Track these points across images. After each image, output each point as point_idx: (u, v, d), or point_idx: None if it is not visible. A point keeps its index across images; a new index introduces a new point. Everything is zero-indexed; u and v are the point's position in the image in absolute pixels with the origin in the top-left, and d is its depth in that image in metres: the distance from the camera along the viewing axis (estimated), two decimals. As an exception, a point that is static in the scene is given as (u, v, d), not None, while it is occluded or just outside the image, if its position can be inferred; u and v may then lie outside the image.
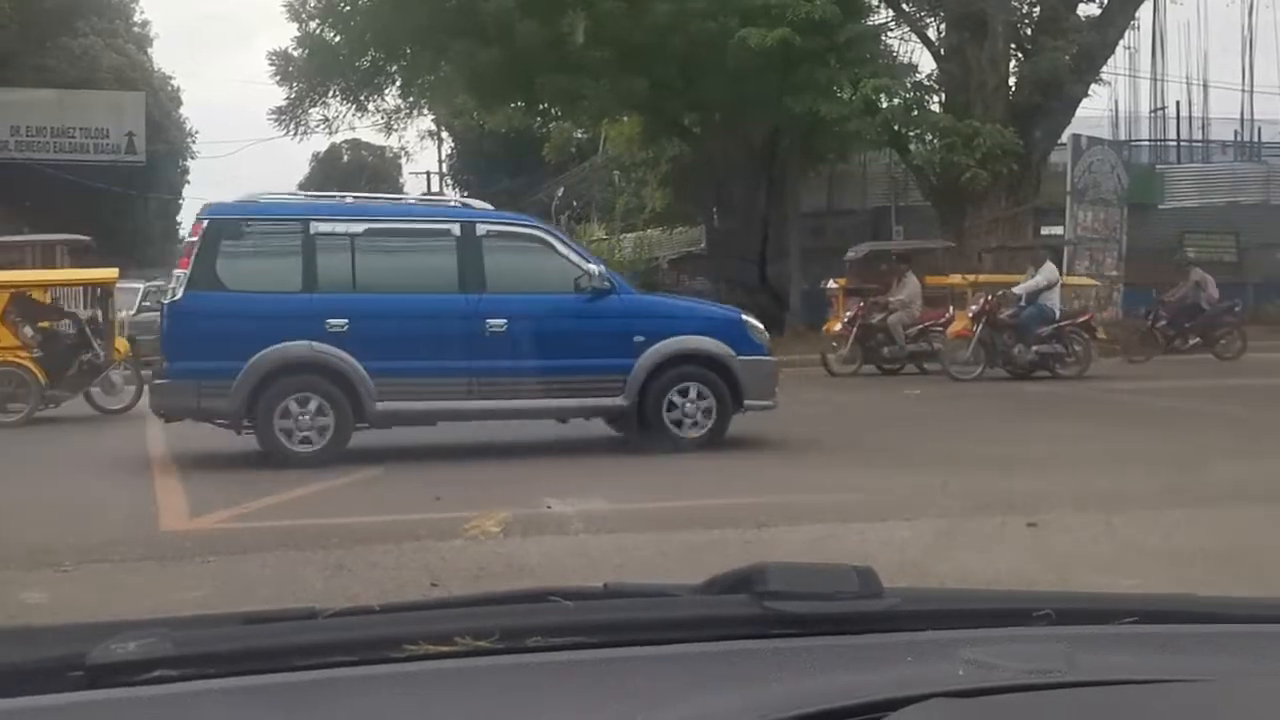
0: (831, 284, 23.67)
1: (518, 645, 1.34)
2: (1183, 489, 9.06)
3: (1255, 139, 35.94)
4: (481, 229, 11.73)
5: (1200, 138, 36.56)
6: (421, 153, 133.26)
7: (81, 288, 17.78)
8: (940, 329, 20.93)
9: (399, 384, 11.30)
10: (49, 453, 13.03)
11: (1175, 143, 36.31)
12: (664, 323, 12.00)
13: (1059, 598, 1.73)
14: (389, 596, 6.09)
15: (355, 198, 12.72)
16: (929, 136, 25.86)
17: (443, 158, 57.01)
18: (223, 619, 1.57)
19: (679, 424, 11.75)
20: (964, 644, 1.38)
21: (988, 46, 25.73)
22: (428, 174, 59.35)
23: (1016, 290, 19.82)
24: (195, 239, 11.32)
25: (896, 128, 25.91)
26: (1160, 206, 31.20)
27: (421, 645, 1.31)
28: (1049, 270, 19.72)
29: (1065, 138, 27.29)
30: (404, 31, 26.90)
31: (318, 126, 32.60)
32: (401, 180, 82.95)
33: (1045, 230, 29.16)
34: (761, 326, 12.69)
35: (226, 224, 11.41)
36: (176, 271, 11.47)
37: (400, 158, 69.00)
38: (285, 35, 62.20)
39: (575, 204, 45.74)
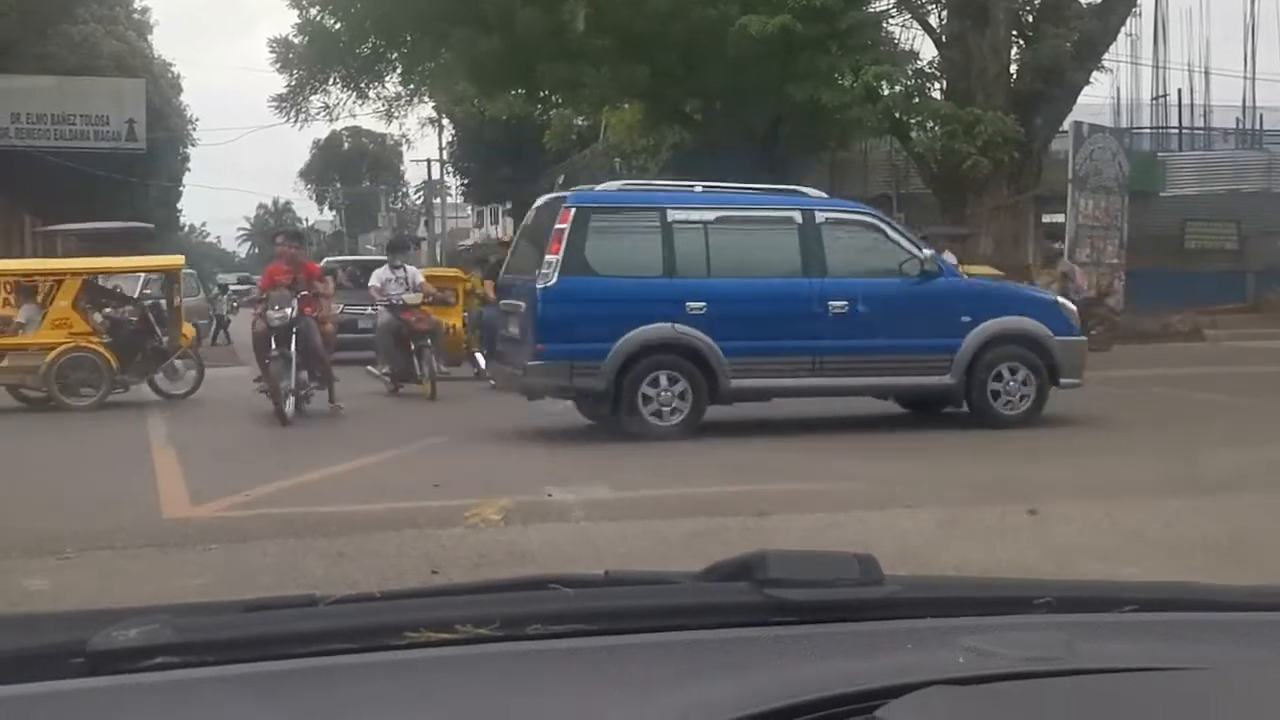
0: None
1: (518, 633, 1.34)
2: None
3: (1257, 126, 35.86)
4: (821, 216, 12.47)
5: (1202, 125, 36.47)
6: (422, 140, 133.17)
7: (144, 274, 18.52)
8: None
9: (750, 362, 12.02)
10: (51, 441, 13.05)
11: (1177, 130, 36.23)
12: (988, 304, 12.67)
13: (1059, 586, 1.74)
14: (390, 584, 6.10)
15: (705, 187, 13.12)
16: (930, 124, 25.80)
17: (443, 145, 56.94)
18: (224, 606, 1.57)
19: (998, 401, 12.37)
20: (964, 631, 1.38)
21: (989, 33, 25.67)
22: (428, 161, 59.42)
23: None
24: (564, 225, 11.79)
25: (898, 115, 25.84)
26: (1161, 194, 31.14)
27: (422, 633, 1.31)
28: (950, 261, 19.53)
29: (1067, 125, 27.23)
30: (404, 18, 26.83)
31: (318, 114, 32.50)
32: (402, 168, 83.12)
33: (1047, 219, 29.17)
34: (1073, 307, 13.55)
35: (591, 211, 12.05)
36: (548, 257, 11.82)
37: (401, 145, 68.87)
38: (286, 22, 62.12)
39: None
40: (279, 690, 1.23)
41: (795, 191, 13.35)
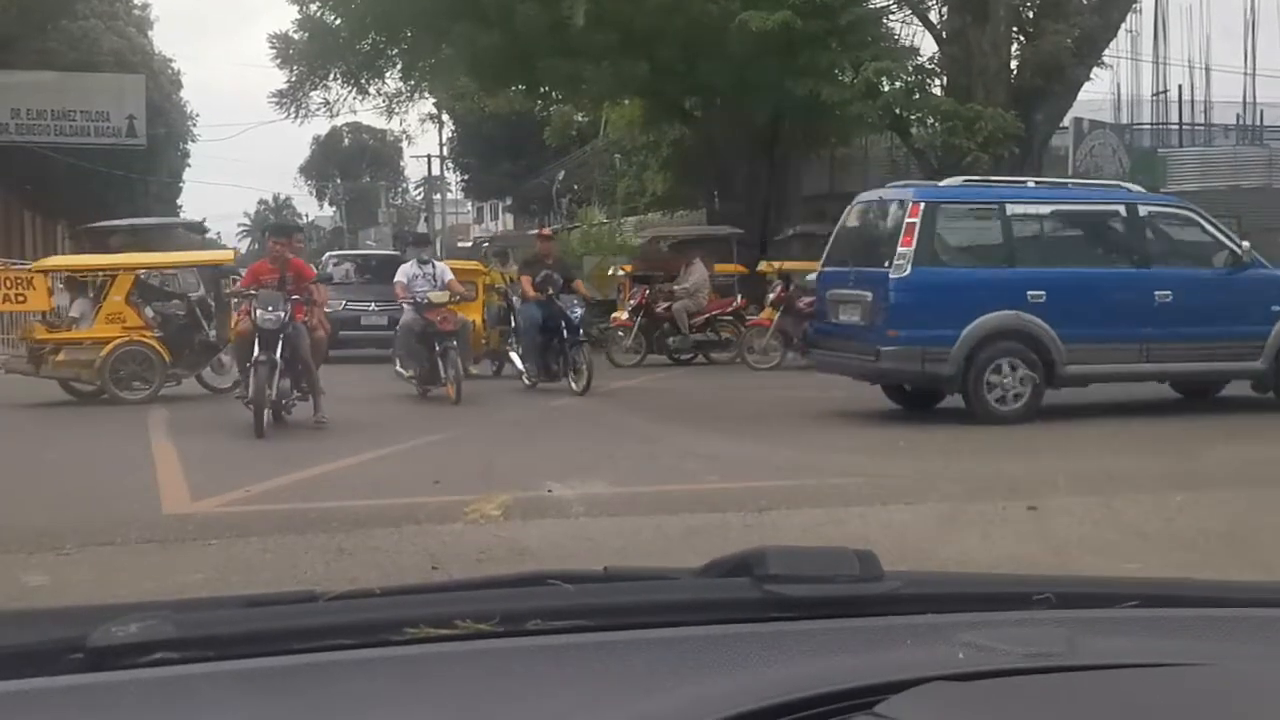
0: (620, 271, 23.47)
1: (518, 628, 1.34)
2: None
3: (1257, 123, 35.84)
4: (1144, 210, 13.21)
5: (1202, 121, 36.44)
6: (422, 136, 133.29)
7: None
8: (729, 318, 20.92)
9: (1084, 349, 12.60)
10: (51, 436, 13.05)
11: (1177, 126, 36.19)
12: None
13: (1059, 582, 1.74)
14: (389, 580, 6.11)
15: (1036, 182, 14.02)
16: (930, 120, 25.78)
17: (444, 141, 56.91)
18: (224, 602, 1.57)
19: None
20: (964, 627, 1.38)
21: (989, 29, 25.64)
22: (428, 157, 59.38)
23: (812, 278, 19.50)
24: (914, 220, 12.43)
25: (898, 111, 25.83)
26: (1162, 190, 31.13)
27: (422, 628, 1.31)
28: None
29: (1067, 121, 27.25)
30: (404, 14, 26.82)
31: (318, 110, 32.49)
32: (403, 163, 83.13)
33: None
34: None
35: (938, 206, 12.70)
36: (901, 249, 12.38)
37: (401, 141, 68.89)
38: (286, 18, 62.11)
39: (576, 187, 45.70)
40: (279, 686, 1.23)
41: (1119, 186, 14.18)
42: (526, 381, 16.06)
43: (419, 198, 78.86)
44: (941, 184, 13.60)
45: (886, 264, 12.48)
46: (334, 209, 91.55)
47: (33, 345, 15.94)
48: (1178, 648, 1.41)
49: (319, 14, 28.78)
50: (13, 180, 39.33)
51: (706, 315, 20.85)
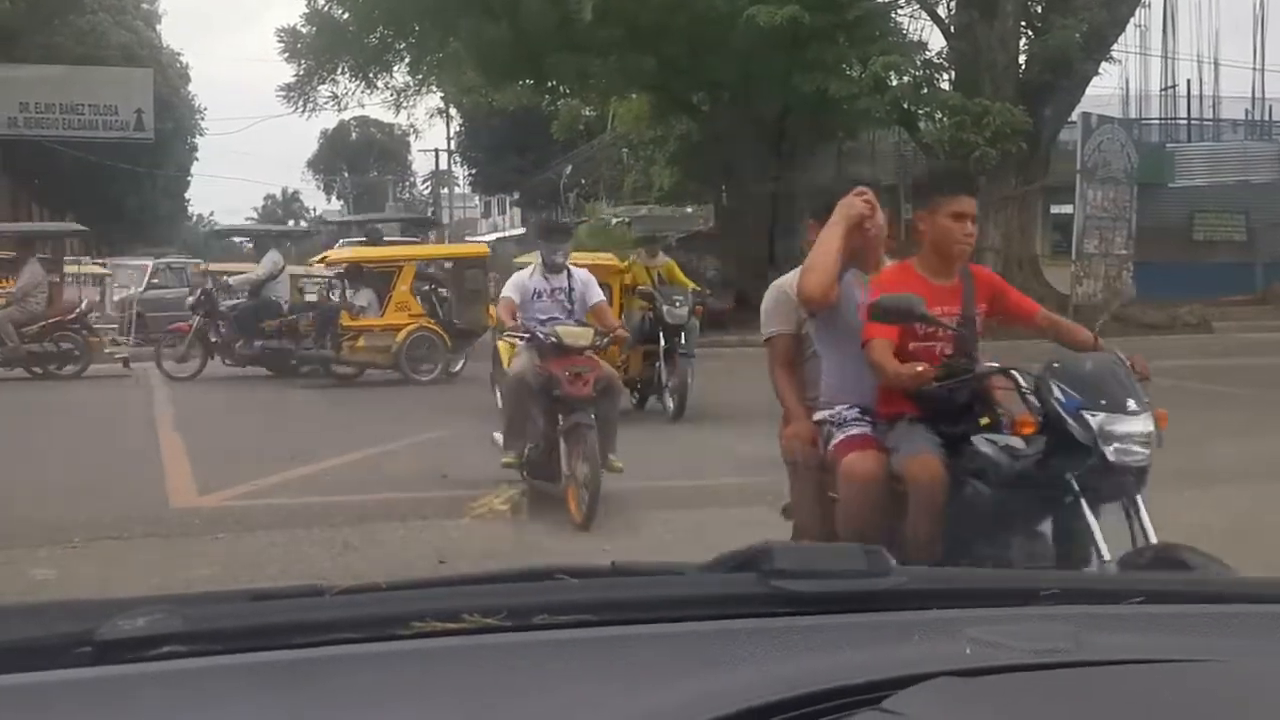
0: None
1: (525, 623, 1.34)
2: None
3: (1266, 118, 35.79)
4: None
5: (1211, 116, 36.41)
6: (430, 130, 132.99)
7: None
8: (75, 327, 18.09)
9: None
10: (58, 430, 13.07)
11: (1186, 121, 36.17)
12: None
13: (1066, 578, 1.73)
14: (396, 574, 6.11)
15: None
16: (938, 115, 25.75)
17: (451, 135, 56.92)
18: (230, 596, 1.58)
19: None
20: (971, 623, 1.38)
21: (998, 24, 25.62)
22: (436, 151, 59.41)
23: (233, 281, 19.09)
24: None
25: (906, 106, 25.80)
26: (1170, 185, 31.10)
27: (429, 623, 1.31)
28: (271, 260, 18.72)
29: (1075, 116, 27.19)
30: (412, 8, 26.83)
31: (326, 104, 32.54)
32: (410, 158, 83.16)
33: (1055, 210, 29.11)
34: None
35: None
36: None
37: (409, 135, 68.93)
38: (294, 12, 62.09)
39: (583, 182, 45.70)
40: (285, 680, 1.23)
41: None
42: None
43: (426, 192, 78.91)
44: None
45: None
46: (342, 203, 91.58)
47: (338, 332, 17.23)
48: (1185, 644, 1.41)
49: (327, 8, 28.82)
50: (21, 174, 39.41)
51: (45, 322, 17.87)
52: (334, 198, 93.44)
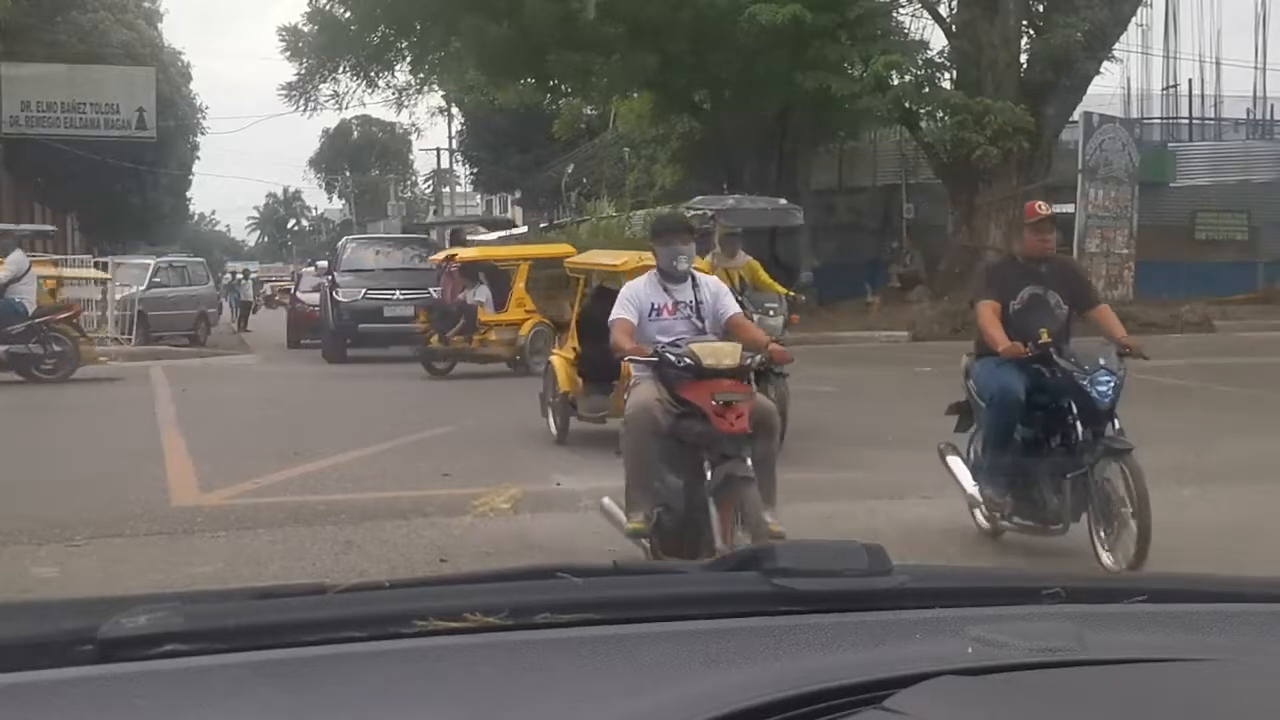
0: None
1: (527, 622, 1.34)
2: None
3: (1268, 117, 35.79)
4: None
5: (1212, 115, 36.39)
6: (432, 129, 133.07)
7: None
8: (64, 329, 17.36)
9: None
10: (61, 428, 13.07)
11: (1187, 120, 36.15)
12: None
13: (1068, 576, 1.73)
14: (398, 573, 6.12)
15: None
16: (940, 114, 25.77)
17: (453, 134, 56.94)
18: (233, 594, 1.58)
19: None
20: (973, 622, 1.38)
21: (999, 23, 25.63)
22: (437, 150, 59.43)
23: None
24: None
25: (907, 105, 25.82)
26: (1172, 184, 31.09)
27: (431, 621, 1.31)
28: (16, 261, 17.32)
29: (1077, 115, 27.20)
30: (414, 7, 26.85)
31: (328, 102, 32.62)
32: (412, 156, 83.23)
33: (1056, 209, 29.06)
34: None
35: None
36: None
37: (410, 134, 68.99)
38: (296, 10, 62.06)
39: (585, 181, 45.67)
40: (287, 678, 1.23)
41: None
42: (982, 521, 7.62)
43: (428, 190, 78.96)
44: None
45: None
46: (343, 202, 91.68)
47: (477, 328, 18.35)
48: (1187, 642, 1.41)
49: (328, 6, 28.85)
50: (23, 173, 39.43)
51: (31, 323, 17.14)
52: (335, 196, 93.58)
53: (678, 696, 1.18)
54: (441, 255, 20.70)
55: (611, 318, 7.08)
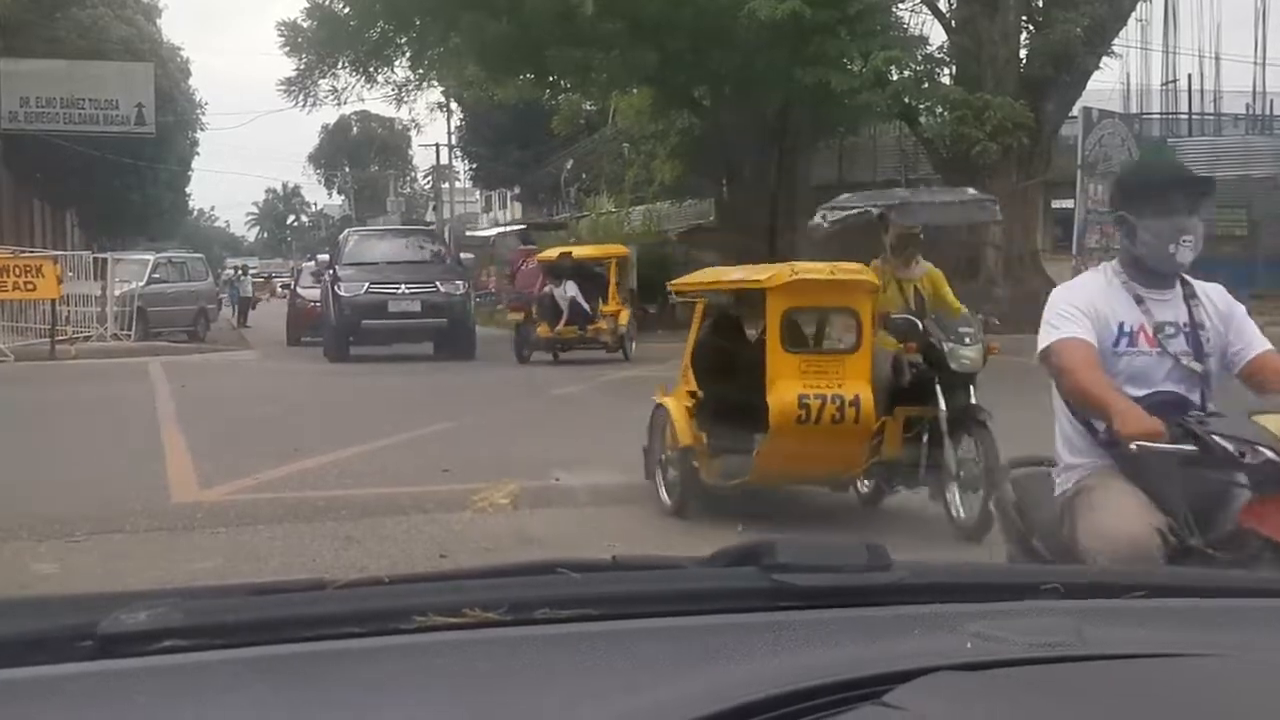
0: None
1: (526, 617, 1.34)
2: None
3: (1267, 112, 35.76)
4: None
5: (1212, 111, 36.34)
6: (431, 124, 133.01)
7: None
8: None
9: None
10: (60, 424, 13.07)
11: (1187, 116, 36.11)
12: None
13: (1067, 572, 1.74)
14: (398, 568, 6.12)
15: None
16: (939, 109, 25.77)
17: (452, 130, 56.87)
18: (232, 590, 1.58)
19: None
20: (972, 617, 1.38)
21: (999, 19, 25.62)
22: (437, 146, 59.36)
23: None
24: None
25: (907, 100, 25.80)
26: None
27: (430, 617, 1.31)
28: None
29: (1076, 110, 27.18)
30: (413, 3, 26.82)
31: (326, 98, 32.58)
32: (411, 152, 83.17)
33: (1056, 205, 29.09)
34: None
35: None
36: None
37: (409, 130, 68.90)
38: (295, 6, 62.06)
39: (584, 176, 45.68)
40: (287, 674, 1.23)
41: None
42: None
43: (427, 186, 78.89)
44: None
45: None
46: (342, 197, 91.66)
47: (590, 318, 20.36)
48: (1186, 638, 1.41)
49: (328, 2, 28.83)
50: (22, 168, 39.39)
51: None
52: (335, 192, 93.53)
53: (676, 692, 1.18)
54: (555, 253, 22.10)
55: (1052, 337, 4.03)
